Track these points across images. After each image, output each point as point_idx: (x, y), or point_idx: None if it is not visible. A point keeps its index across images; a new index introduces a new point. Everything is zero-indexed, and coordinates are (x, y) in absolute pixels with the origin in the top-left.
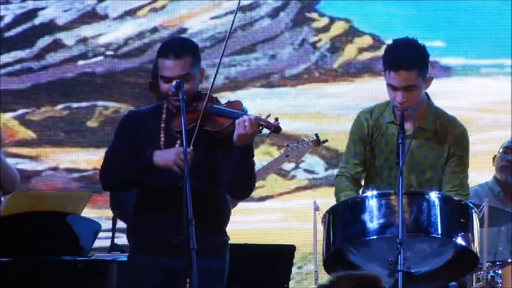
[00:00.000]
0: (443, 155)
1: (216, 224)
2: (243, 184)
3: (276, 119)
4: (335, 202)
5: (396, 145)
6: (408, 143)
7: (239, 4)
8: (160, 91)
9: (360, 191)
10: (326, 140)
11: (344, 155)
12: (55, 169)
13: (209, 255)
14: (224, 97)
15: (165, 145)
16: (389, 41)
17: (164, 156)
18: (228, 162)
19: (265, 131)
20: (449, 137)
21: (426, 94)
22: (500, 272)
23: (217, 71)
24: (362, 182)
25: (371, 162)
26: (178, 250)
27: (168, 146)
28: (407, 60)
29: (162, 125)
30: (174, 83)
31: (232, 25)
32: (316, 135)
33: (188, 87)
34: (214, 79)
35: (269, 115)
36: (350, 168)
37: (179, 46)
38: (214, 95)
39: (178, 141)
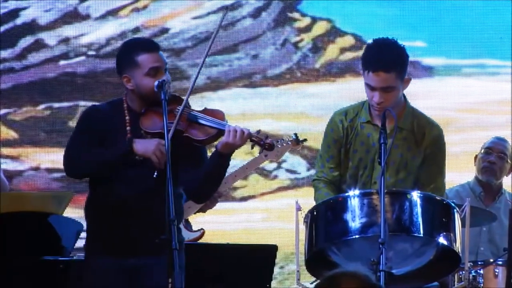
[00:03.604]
0: (419, 155)
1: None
2: (211, 189)
3: (267, 137)
4: None
5: (373, 145)
6: (390, 143)
7: (223, 17)
8: (146, 89)
9: None
10: (305, 140)
11: (320, 159)
12: (36, 169)
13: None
14: (206, 98)
15: None
16: (371, 41)
17: (145, 145)
18: (193, 168)
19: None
20: (426, 138)
21: (403, 95)
22: (482, 272)
23: (196, 76)
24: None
25: (345, 164)
26: (141, 249)
27: None
28: (386, 62)
29: (128, 127)
30: (156, 82)
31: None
32: (295, 134)
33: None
34: (193, 83)
35: (259, 131)
36: (326, 172)
37: (151, 40)
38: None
39: None
